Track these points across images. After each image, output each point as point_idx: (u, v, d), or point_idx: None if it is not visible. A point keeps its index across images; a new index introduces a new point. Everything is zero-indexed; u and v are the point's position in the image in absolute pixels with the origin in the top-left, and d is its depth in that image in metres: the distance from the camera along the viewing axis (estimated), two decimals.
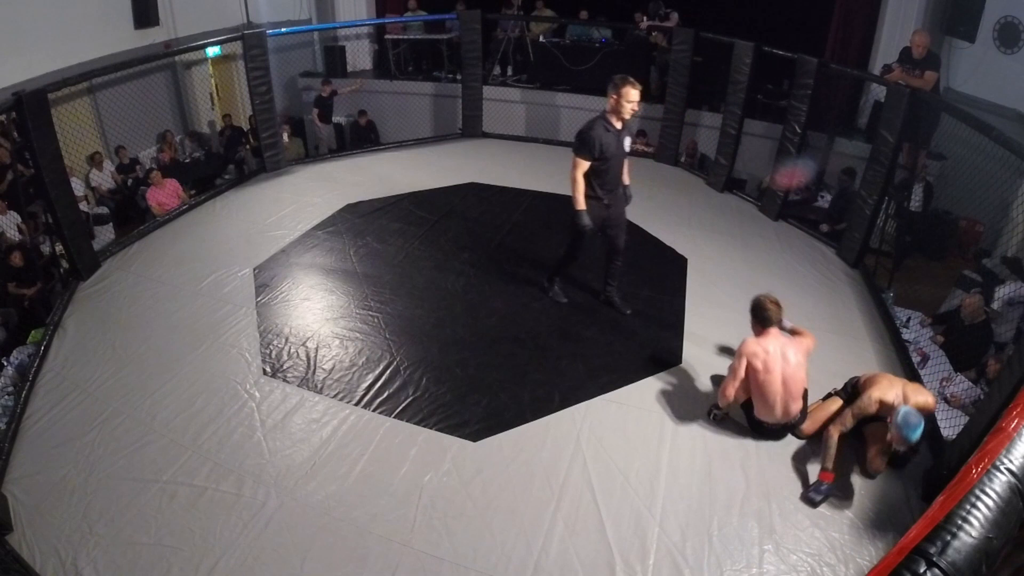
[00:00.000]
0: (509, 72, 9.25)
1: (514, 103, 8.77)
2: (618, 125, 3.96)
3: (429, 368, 3.93)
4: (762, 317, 3.32)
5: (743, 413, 3.40)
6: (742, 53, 6.24)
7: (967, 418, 3.62)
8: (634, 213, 6.00)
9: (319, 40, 9.96)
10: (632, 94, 3.83)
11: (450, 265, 5.09)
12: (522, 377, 3.88)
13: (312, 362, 3.95)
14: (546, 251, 5.36)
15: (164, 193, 6.71)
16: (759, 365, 3.23)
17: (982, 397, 3.92)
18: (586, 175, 3.97)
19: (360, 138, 8.92)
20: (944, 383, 4.18)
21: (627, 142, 4.07)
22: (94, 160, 7.30)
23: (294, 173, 6.96)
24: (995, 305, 4.81)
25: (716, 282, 4.93)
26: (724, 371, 3.94)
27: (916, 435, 2.91)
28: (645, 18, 8.54)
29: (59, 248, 4.95)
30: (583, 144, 3.91)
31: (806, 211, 6.56)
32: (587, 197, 4.02)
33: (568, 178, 4.01)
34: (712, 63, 7.34)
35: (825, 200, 6.78)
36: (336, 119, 9.25)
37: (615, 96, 3.85)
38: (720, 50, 6.74)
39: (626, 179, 4.30)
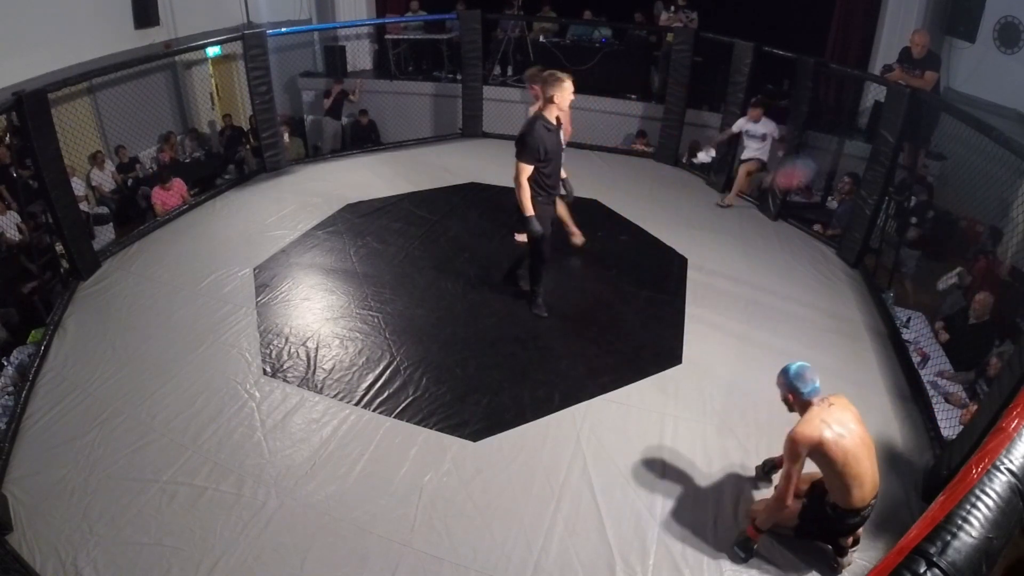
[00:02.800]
0: (509, 72, 9.25)
1: (514, 103, 8.76)
2: (555, 122, 3.94)
3: (429, 368, 3.93)
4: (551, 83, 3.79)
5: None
6: (742, 53, 6.25)
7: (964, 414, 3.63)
8: (634, 213, 6.05)
9: (319, 40, 9.96)
10: (571, 86, 3.83)
11: (450, 265, 5.09)
12: (522, 377, 3.88)
13: (312, 362, 3.95)
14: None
15: (169, 194, 6.71)
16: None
17: (979, 393, 3.92)
18: (530, 178, 3.90)
19: (361, 138, 8.93)
20: (945, 382, 4.17)
21: (563, 137, 4.10)
22: (96, 159, 7.30)
23: (294, 173, 6.96)
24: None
25: (716, 282, 4.93)
26: (723, 371, 3.96)
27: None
28: (665, 14, 8.50)
29: (59, 248, 4.96)
30: (527, 148, 3.83)
31: (807, 211, 6.55)
32: (534, 199, 3.95)
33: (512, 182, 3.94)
34: (712, 63, 7.34)
35: (834, 202, 6.76)
36: (344, 119, 9.26)
37: (555, 92, 3.80)
38: (720, 50, 6.74)
39: (563, 173, 4.26)
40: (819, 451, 2.49)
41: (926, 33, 5.78)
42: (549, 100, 3.83)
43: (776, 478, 2.96)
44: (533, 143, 3.82)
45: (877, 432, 3.46)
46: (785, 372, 2.67)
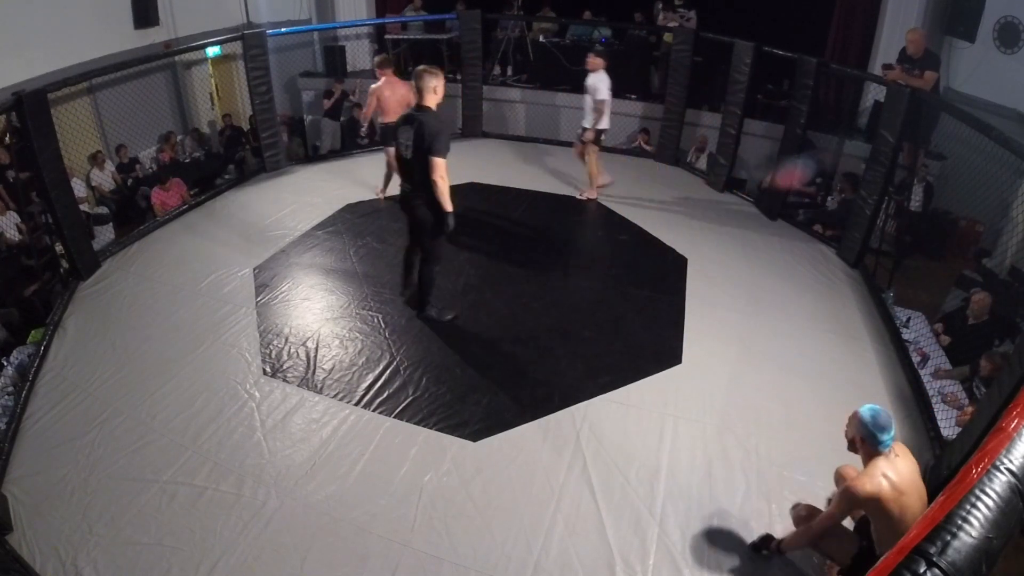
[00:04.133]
0: (509, 72, 9.25)
1: (514, 103, 8.77)
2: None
3: (429, 368, 3.93)
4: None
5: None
6: (742, 53, 6.24)
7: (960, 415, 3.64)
8: (634, 213, 6.05)
9: (319, 40, 9.95)
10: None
11: (450, 265, 5.07)
12: (522, 377, 3.88)
13: (312, 362, 3.95)
14: (546, 251, 5.37)
15: (169, 195, 6.71)
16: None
17: (976, 393, 3.92)
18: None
19: (358, 133, 8.88)
20: (942, 381, 4.17)
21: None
22: (96, 159, 7.30)
23: (294, 173, 6.96)
24: None
25: (716, 282, 4.93)
26: (723, 371, 3.96)
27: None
28: (662, 13, 8.48)
29: (59, 248, 4.96)
30: (447, 145, 3.77)
31: (807, 211, 6.56)
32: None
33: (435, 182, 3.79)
34: (712, 63, 7.33)
35: (834, 202, 6.76)
36: (341, 119, 9.24)
37: (440, 84, 3.83)
38: (720, 50, 6.74)
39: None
40: (876, 506, 2.33)
41: (920, 31, 5.78)
42: (434, 92, 3.82)
43: None
44: (449, 139, 3.80)
45: None
46: (864, 417, 2.41)
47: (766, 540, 2.81)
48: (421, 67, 3.88)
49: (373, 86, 5.76)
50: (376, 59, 6.08)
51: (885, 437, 2.37)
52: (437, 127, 3.75)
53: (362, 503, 3.02)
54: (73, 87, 5.57)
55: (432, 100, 3.84)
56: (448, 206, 3.86)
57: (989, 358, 3.94)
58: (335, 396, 3.69)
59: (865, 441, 2.41)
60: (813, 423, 3.54)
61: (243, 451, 3.29)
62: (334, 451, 3.31)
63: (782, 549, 2.73)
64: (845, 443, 2.54)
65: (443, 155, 3.75)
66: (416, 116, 3.80)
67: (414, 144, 3.77)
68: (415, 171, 3.87)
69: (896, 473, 2.34)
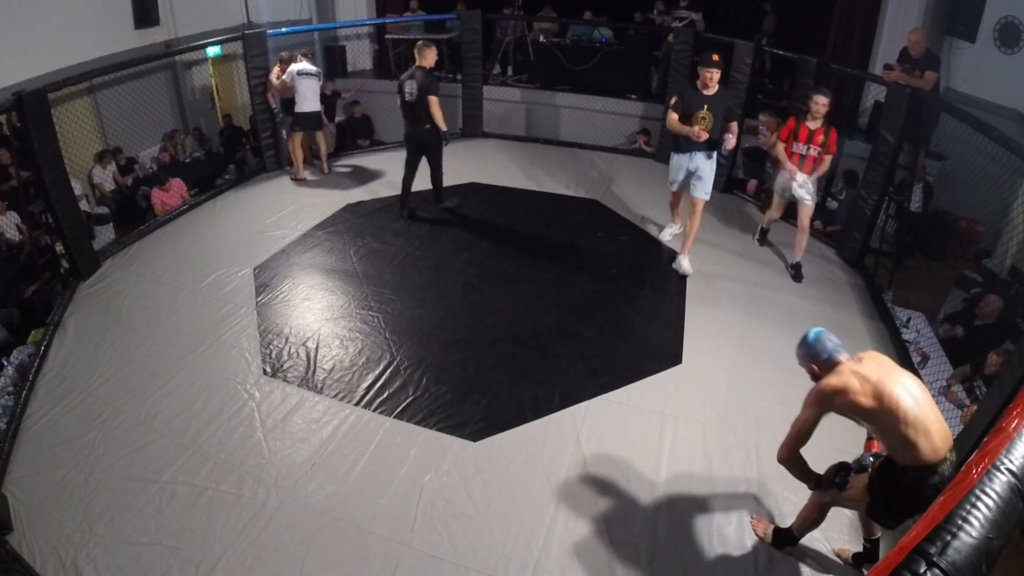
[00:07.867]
0: (509, 72, 9.25)
1: (514, 103, 8.77)
2: None
3: (429, 368, 3.93)
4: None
5: None
6: (742, 53, 6.24)
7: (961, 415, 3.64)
8: (634, 213, 6.05)
9: (319, 40, 9.95)
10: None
11: (450, 265, 5.09)
12: (522, 377, 3.88)
13: (312, 362, 3.95)
14: (546, 251, 5.37)
15: (169, 195, 6.71)
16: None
17: (977, 392, 3.92)
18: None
19: (356, 130, 8.90)
20: (941, 381, 4.17)
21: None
22: (103, 159, 7.30)
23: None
24: None
25: (716, 282, 4.93)
26: (723, 371, 3.96)
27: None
28: (663, 16, 8.48)
29: (59, 248, 4.96)
30: (439, 88, 5.48)
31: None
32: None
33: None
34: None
35: (834, 202, 6.75)
36: (337, 118, 9.24)
37: (431, 53, 5.45)
38: (720, 50, 6.73)
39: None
40: (846, 400, 2.20)
41: (920, 31, 5.78)
42: (426, 57, 5.43)
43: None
44: (439, 85, 5.51)
45: None
46: (803, 342, 2.43)
47: (780, 534, 2.79)
48: (421, 41, 5.62)
49: (275, 72, 6.69)
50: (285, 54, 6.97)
51: (831, 346, 2.35)
52: (431, 78, 5.43)
53: (362, 503, 3.02)
54: (73, 87, 5.57)
55: (425, 63, 5.42)
56: (444, 126, 5.53)
57: (997, 353, 3.95)
58: (335, 396, 3.69)
59: (817, 363, 2.37)
60: None
61: (243, 451, 3.30)
62: (334, 451, 3.31)
63: (796, 532, 2.72)
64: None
65: (438, 94, 5.42)
66: (417, 72, 5.42)
67: (418, 90, 5.37)
68: (418, 109, 5.41)
69: (865, 368, 2.25)
